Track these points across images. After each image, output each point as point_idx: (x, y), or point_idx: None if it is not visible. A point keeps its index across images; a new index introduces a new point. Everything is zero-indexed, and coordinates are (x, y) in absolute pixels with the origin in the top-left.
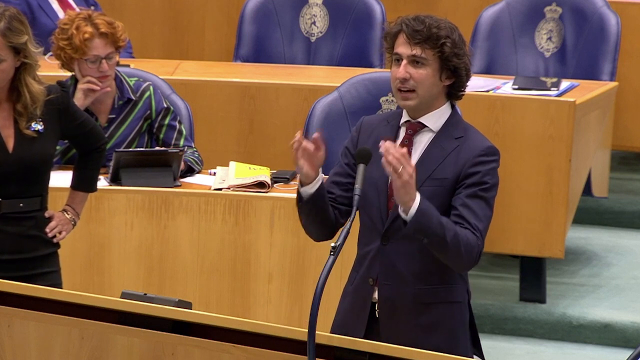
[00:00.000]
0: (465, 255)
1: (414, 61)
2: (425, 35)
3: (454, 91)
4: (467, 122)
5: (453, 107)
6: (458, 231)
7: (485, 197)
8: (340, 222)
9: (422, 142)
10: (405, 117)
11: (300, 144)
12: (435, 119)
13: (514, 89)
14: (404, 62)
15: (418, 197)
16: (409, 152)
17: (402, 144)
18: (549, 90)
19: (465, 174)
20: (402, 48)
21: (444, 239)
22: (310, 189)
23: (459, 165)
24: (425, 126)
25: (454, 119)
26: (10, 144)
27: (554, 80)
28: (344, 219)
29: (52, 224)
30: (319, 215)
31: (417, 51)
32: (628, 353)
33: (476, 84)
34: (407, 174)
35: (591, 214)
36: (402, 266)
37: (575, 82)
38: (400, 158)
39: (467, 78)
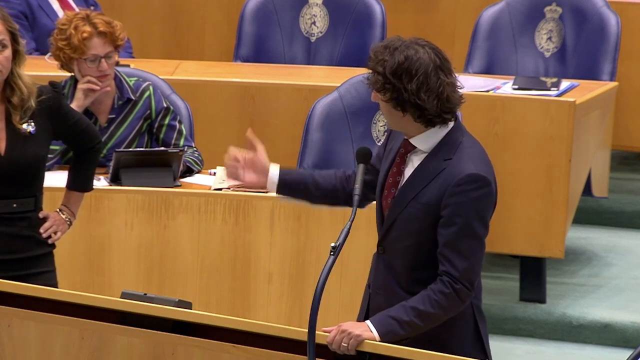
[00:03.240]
0: (447, 310)
1: None
2: (372, 81)
3: (426, 119)
4: (469, 139)
5: (456, 120)
6: (421, 307)
7: (469, 232)
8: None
9: (415, 161)
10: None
11: (238, 161)
12: (424, 140)
13: (514, 89)
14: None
15: (370, 326)
16: (401, 171)
17: (396, 162)
18: (549, 90)
19: (445, 204)
20: None
21: (418, 327)
22: (273, 189)
23: (441, 190)
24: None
25: (449, 138)
26: (2, 146)
27: (554, 80)
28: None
29: (47, 224)
30: (305, 196)
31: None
32: (628, 353)
33: (476, 84)
34: (352, 345)
35: (591, 214)
36: (390, 279)
37: (575, 82)
38: (338, 340)
39: (436, 104)
